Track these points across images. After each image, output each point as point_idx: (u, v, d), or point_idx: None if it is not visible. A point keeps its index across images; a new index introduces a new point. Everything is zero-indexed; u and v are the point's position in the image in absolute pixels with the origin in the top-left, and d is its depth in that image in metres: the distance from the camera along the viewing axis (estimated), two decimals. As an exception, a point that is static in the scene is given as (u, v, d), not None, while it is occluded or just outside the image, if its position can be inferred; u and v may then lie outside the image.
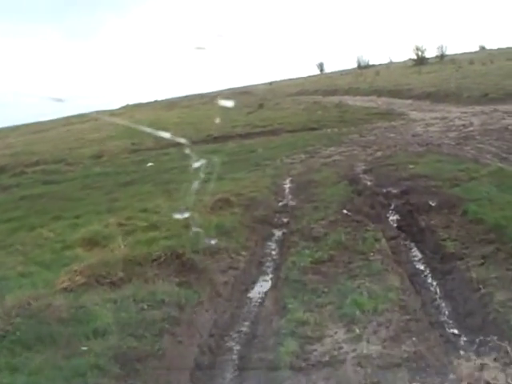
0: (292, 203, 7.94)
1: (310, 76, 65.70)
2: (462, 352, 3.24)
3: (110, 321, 3.66)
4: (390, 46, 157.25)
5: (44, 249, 6.85)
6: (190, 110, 32.73)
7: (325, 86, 38.50)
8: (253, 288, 4.97)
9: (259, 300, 4.60)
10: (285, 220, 7.08)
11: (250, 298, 4.71)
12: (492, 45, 66.09)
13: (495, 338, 3.12)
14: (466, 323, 3.65)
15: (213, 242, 5.51)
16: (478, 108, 16.57)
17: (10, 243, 7.38)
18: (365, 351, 3.18)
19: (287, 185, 9.37)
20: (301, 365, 3.19)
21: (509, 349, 2.95)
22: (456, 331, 3.59)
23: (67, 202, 10.52)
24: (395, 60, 61.00)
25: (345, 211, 6.53)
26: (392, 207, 6.95)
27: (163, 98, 56.72)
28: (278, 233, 6.66)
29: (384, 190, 7.68)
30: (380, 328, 3.44)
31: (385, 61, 63.26)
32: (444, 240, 5.13)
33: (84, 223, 7.93)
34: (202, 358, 3.55)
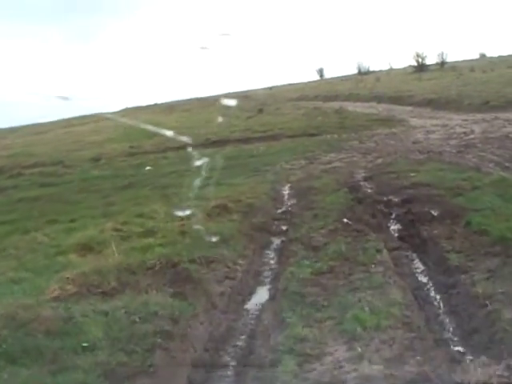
0: (291, 210, 7.80)
1: (310, 81, 65.72)
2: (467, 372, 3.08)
3: (99, 334, 3.50)
4: (390, 53, 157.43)
5: (37, 254, 6.72)
6: (189, 113, 32.65)
7: (325, 91, 38.42)
8: (250, 299, 4.81)
9: (256, 312, 4.44)
10: (284, 228, 6.94)
11: (247, 310, 4.54)
12: (492, 52, 66.10)
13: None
14: (471, 341, 3.50)
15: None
16: (478, 116, 16.48)
17: (4, 247, 7.26)
18: (367, 371, 3.02)
19: (286, 191, 9.24)
20: (299, 385, 3.04)
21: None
22: (461, 349, 3.44)
23: (63, 205, 10.40)
24: (395, 66, 61.10)
25: (345, 220, 6.38)
26: (393, 216, 6.81)
27: (163, 102, 56.67)
28: (276, 241, 6.52)
29: (385, 199, 7.54)
30: (383, 346, 3.28)
31: (385, 67, 63.37)
32: (447, 252, 4.98)
33: (79, 227, 7.81)
34: (195, 374, 3.39)
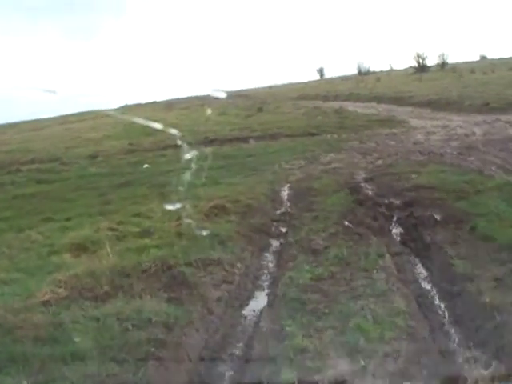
0: (290, 211, 7.65)
1: (310, 81, 65.63)
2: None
3: (90, 342, 3.34)
4: (390, 53, 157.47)
5: (30, 253, 6.58)
6: (188, 111, 32.44)
7: (325, 91, 38.28)
8: (247, 305, 4.64)
9: (254, 319, 4.28)
10: (283, 230, 6.79)
11: (245, 316, 4.38)
12: (493, 54, 66.09)
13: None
14: (479, 354, 3.34)
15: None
16: (479, 117, 16.34)
17: (-3, 245, 7.10)
18: (370, 386, 2.88)
19: (285, 192, 9.07)
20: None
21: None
22: (468, 363, 3.28)
23: (59, 202, 10.24)
24: (396, 67, 61.01)
25: (346, 222, 6.24)
26: (395, 219, 6.66)
27: (162, 99, 56.47)
28: (275, 243, 6.36)
29: (386, 201, 7.39)
30: (387, 359, 3.13)
31: (385, 68, 63.29)
32: (452, 258, 4.82)
33: (74, 226, 7.67)
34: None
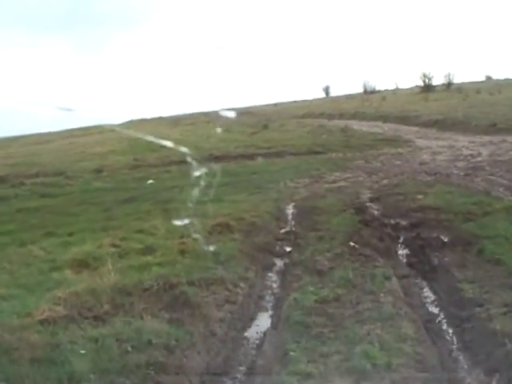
0: (295, 230, 7.55)
1: (315, 99, 65.84)
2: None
3: (88, 364, 3.24)
4: (396, 73, 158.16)
5: (31, 269, 6.50)
6: (193, 127, 32.56)
7: (330, 109, 38.35)
8: (250, 326, 4.53)
9: (257, 341, 4.17)
10: (287, 249, 6.69)
11: (247, 339, 4.27)
12: (499, 75, 66.32)
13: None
14: (489, 382, 3.22)
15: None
16: (486, 138, 16.30)
17: (-2, 260, 7.03)
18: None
19: (290, 210, 8.99)
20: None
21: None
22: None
23: (63, 217, 10.18)
24: (402, 86, 61.15)
25: (351, 243, 6.14)
26: (401, 241, 6.56)
27: (168, 115, 56.64)
28: (279, 263, 6.26)
29: (392, 222, 7.30)
30: (395, 388, 3.02)
31: (391, 87, 63.44)
32: (460, 281, 4.72)
33: (77, 241, 7.59)
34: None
